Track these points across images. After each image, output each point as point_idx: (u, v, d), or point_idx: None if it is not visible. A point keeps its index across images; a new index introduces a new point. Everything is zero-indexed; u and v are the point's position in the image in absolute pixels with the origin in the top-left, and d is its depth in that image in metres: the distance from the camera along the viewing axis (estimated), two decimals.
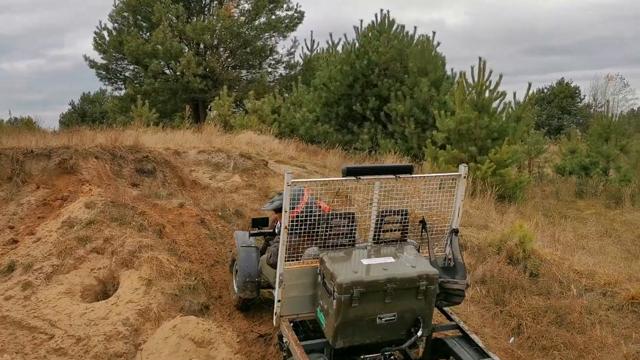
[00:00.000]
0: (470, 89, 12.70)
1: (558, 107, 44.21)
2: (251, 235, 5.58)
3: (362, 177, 4.07)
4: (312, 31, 30.89)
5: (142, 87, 23.88)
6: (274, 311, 4.26)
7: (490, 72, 12.48)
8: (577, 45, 74.66)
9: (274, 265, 4.64)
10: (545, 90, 45.25)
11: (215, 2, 25.89)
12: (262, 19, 25.50)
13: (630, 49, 73.50)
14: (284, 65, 26.88)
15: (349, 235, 4.28)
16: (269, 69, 26.85)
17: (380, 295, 3.86)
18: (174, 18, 23.56)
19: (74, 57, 62.62)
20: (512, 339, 5.80)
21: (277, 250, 4.27)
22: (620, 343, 5.44)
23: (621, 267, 6.92)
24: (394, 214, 4.40)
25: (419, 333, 4.03)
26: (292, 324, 4.28)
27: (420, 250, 4.49)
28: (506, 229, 7.64)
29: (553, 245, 7.99)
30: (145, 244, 6.32)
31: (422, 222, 4.53)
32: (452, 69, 16.47)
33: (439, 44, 15.64)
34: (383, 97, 15.84)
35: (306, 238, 4.35)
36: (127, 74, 26.05)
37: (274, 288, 4.68)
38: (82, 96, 45.01)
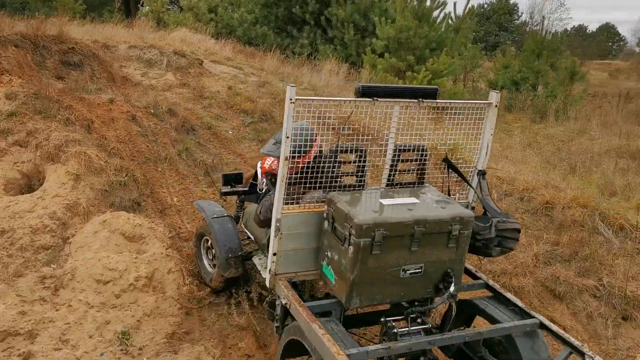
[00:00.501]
0: None
1: (496, 23, 44.56)
2: (223, 194, 4.89)
3: (380, 99, 3.35)
4: None
5: None
6: (268, 268, 3.54)
7: None
8: None
9: (266, 222, 3.76)
10: (485, 6, 45.33)
11: None
12: None
13: None
14: None
15: (359, 175, 3.56)
16: None
17: (406, 241, 3.18)
18: None
19: None
20: None
21: (270, 203, 3.63)
22: (532, 243, 5.86)
23: (539, 175, 7.32)
24: (412, 151, 3.66)
25: (451, 289, 3.31)
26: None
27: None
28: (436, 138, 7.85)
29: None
30: (73, 138, 6.09)
31: (446, 160, 3.80)
32: None
33: None
34: (324, 1, 15.41)
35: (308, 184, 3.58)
36: None
37: (263, 252, 4.17)
38: None
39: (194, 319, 4.71)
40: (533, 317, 3.47)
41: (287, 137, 3.16)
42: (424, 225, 3.18)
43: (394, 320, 3.31)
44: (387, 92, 3.43)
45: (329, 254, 3.39)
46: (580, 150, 9.87)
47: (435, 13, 12.67)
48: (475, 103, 3.74)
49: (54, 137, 6.04)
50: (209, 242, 4.83)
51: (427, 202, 3.46)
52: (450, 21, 13.50)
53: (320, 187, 3.51)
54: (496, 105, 3.73)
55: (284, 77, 10.43)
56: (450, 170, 3.79)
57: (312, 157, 3.70)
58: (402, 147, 3.63)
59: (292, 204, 3.50)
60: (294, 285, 3.65)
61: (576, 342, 3.23)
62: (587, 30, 52.29)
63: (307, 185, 3.54)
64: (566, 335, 3.30)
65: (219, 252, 4.59)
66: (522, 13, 46.36)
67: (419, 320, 3.39)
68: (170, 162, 6.57)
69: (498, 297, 3.76)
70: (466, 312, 3.83)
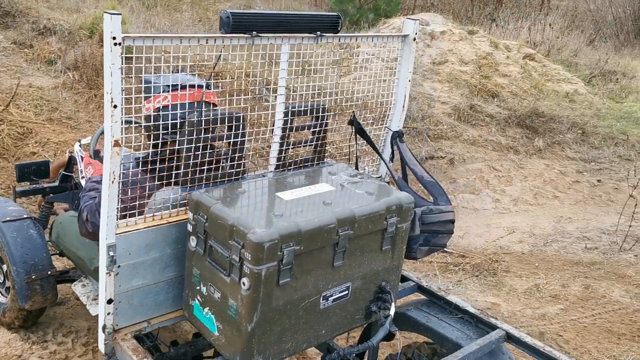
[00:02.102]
0: None
1: None
2: (19, 195, 3.41)
3: (261, 34, 2.18)
4: None
5: None
6: (101, 325, 2.21)
7: None
8: None
9: (96, 233, 2.18)
10: None
11: None
12: None
13: None
14: None
15: (236, 157, 2.35)
16: None
17: (327, 254, 2.10)
18: None
19: None
20: None
21: (98, 200, 2.19)
22: None
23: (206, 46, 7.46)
24: (305, 113, 2.54)
25: (390, 311, 2.33)
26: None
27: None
28: (99, 13, 7.27)
29: (149, 29, 8.03)
30: None
31: (354, 122, 2.81)
32: None
33: None
34: None
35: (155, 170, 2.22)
36: None
37: (89, 277, 2.83)
38: None
39: None
40: (495, 327, 2.56)
41: (115, 107, 1.87)
42: (351, 226, 2.11)
43: None
44: (270, 24, 2.24)
45: (204, 289, 2.13)
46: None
47: None
48: (387, 36, 2.80)
49: None
50: (0, 258, 3.19)
51: (346, 187, 2.36)
52: None
53: (176, 183, 2.25)
54: (414, 39, 2.72)
55: None
56: (358, 136, 2.82)
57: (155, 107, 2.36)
58: (295, 109, 2.51)
59: (132, 215, 2.18)
60: (145, 335, 2.42)
61: (555, 352, 2.43)
62: None
63: (155, 180, 2.26)
64: (540, 345, 2.48)
65: (15, 272, 2.98)
66: None
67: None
68: None
69: (437, 302, 2.83)
70: (401, 329, 2.71)
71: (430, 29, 8.08)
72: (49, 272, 3.03)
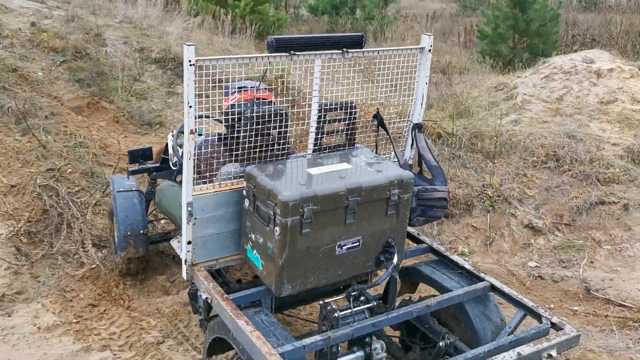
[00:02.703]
0: None
1: None
2: (131, 173, 4.40)
3: (298, 53, 2.97)
4: None
5: None
6: (183, 259, 3.11)
7: None
8: None
9: None
10: None
11: None
12: None
13: None
14: None
15: (281, 143, 3.13)
16: None
17: (340, 214, 2.84)
18: None
19: None
20: None
21: None
22: None
23: (364, 93, 7.68)
24: (338, 109, 3.24)
25: (394, 260, 3.01)
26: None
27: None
28: (264, 65, 7.84)
29: (304, 76, 8.48)
30: None
31: (377, 117, 3.50)
32: None
33: None
34: None
35: (224, 151, 3.30)
36: None
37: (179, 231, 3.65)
38: None
39: (25, 277, 4.35)
40: (483, 279, 3.23)
41: (190, 107, 2.71)
42: (359, 194, 2.83)
43: (334, 301, 2.84)
44: (305, 44, 3.02)
45: (253, 236, 2.95)
46: None
47: None
48: (406, 49, 3.39)
49: None
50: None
51: (361, 166, 3.11)
52: None
53: (236, 160, 3.09)
54: (429, 50, 3.39)
55: (95, 9, 9.57)
56: (380, 128, 3.51)
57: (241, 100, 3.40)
58: (327, 106, 3.19)
59: (204, 183, 3.05)
60: (217, 273, 3.42)
61: (531, 304, 3.05)
62: None
63: (221, 159, 3.25)
64: (519, 297, 3.10)
65: (117, 229, 4.15)
66: None
67: (362, 298, 2.95)
68: None
69: (444, 261, 3.51)
70: (410, 280, 3.59)
71: (595, 66, 7.64)
72: (142, 232, 4.09)
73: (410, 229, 3.56)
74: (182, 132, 3.00)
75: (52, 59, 7.22)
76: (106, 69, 7.52)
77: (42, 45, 7.36)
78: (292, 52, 2.95)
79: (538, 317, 3.01)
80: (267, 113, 3.02)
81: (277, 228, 2.71)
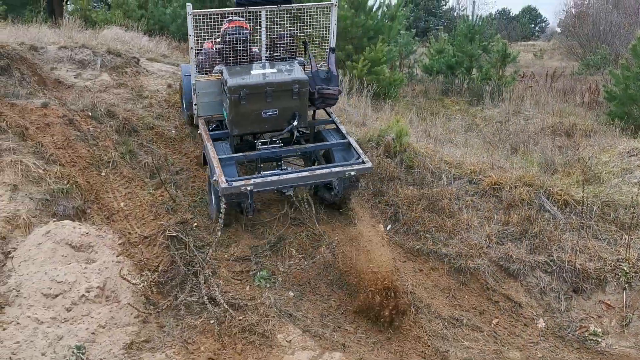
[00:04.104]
0: None
1: (424, 9, 45.40)
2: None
3: (250, 7, 5.76)
4: None
5: None
6: (194, 113, 6.03)
7: None
8: None
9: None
10: None
11: None
12: None
13: None
14: None
15: (245, 54, 5.87)
16: None
17: (262, 96, 5.34)
18: None
19: None
20: (389, 226, 6.17)
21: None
22: (484, 224, 5.99)
23: (484, 157, 7.49)
24: (282, 38, 5.98)
25: (294, 123, 5.51)
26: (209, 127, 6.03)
27: (306, 66, 5.90)
28: (383, 125, 7.90)
29: (425, 139, 8.43)
30: (6, 147, 5.75)
31: (304, 43, 6.00)
32: None
33: None
34: None
35: (217, 58, 5.97)
36: None
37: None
38: None
39: (152, 326, 4.56)
40: (346, 138, 5.73)
41: (192, 48, 5.71)
42: (273, 86, 5.33)
43: (263, 142, 5.60)
44: (255, 2, 5.74)
45: (224, 104, 5.61)
46: (517, 130, 10.16)
47: (371, 2, 12.75)
48: (321, 4, 5.96)
49: None
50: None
51: (282, 71, 5.55)
52: (385, 9, 13.60)
53: (223, 63, 5.83)
54: (335, 5, 5.97)
55: None
56: (306, 49, 5.95)
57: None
58: (274, 37, 5.98)
59: (203, 73, 5.94)
60: (207, 122, 6.03)
61: (359, 150, 5.59)
62: (511, 13, 53.98)
63: (214, 62, 5.95)
64: (354, 145, 5.66)
65: (184, 97, 7.05)
66: None
67: (277, 142, 5.60)
68: (114, 166, 6.32)
69: (337, 129, 5.92)
70: (319, 138, 6.01)
71: None
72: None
73: (328, 110, 6.09)
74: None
75: (183, 118, 7.75)
76: None
77: (176, 105, 7.92)
78: (246, 6, 5.74)
79: (358, 155, 5.50)
80: (239, 36, 5.77)
81: (227, 100, 5.37)
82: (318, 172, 5.31)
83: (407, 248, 5.88)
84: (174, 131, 7.33)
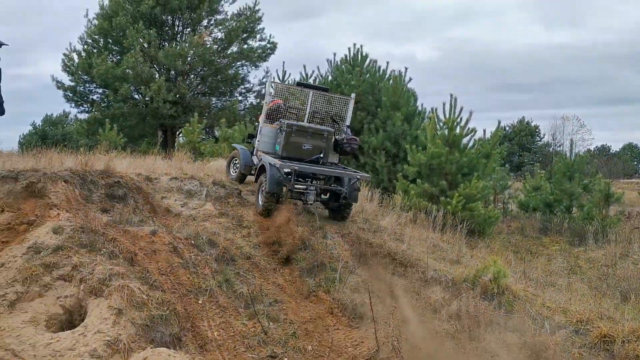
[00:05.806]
0: (441, 124, 12.93)
1: (519, 144, 45.39)
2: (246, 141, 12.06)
3: (304, 88, 10.09)
4: (284, 62, 31.40)
5: (109, 111, 23.48)
6: (255, 148, 9.62)
7: (461, 108, 12.76)
8: (537, 85, 76.96)
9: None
10: (507, 128, 46.46)
11: (189, 30, 25.87)
12: (235, 48, 25.55)
13: (587, 90, 76.58)
14: (255, 94, 26.91)
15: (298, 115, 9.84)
16: (240, 98, 26.82)
17: (305, 134, 9.10)
18: (145, 44, 23.40)
19: (33, 77, 61.25)
20: None
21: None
22: None
23: (591, 304, 7.02)
24: (321, 113, 9.95)
25: (321, 155, 9.15)
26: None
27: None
28: (479, 265, 7.69)
29: (524, 281, 8.07)
30: (116, 271, 6.12)
31: (333, 119, 9.86)
32: (422, 104, 16.65)
33: (410, 79, 15.89)
34: (355, 130, 15.95)
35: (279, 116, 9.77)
36: (94, 97, 25.61)
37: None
38: (45, 118, 44.02)
39: None
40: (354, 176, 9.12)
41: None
42: (313, 130, 9.30)
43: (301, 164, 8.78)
44: (305, 85, 10.39)
45: (278, 140, 9.33)
46: (627, 275, 9.51)
47: (465, 139, 12.98)
48: (345, 97, 10.19)
49: (98, 270, 6.07)
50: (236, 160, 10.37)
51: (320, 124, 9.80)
52: (480, 148, 13.76)
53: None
54: (353, 99, 10.07)
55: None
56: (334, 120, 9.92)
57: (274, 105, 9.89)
58: (315, 112, 9.97)
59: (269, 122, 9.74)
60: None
61: (357, 175, 9.18)
62: (611, 150, 52.75)
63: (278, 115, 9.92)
64: (356, 175, 9.21)
65: (240, 162, 9.99)
66: (544, 134, 47.27)
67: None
68: (211, 294, 6.51)
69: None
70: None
71: None
72: (249, 164, 9.85)
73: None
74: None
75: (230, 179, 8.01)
76: (325, 260, 8.01)
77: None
78: (301, 87, 10.43)
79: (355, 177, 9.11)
80: (281, 110, 9.77)
81: (283, 134, 9.18)
82: (336, 170, 9.22)
83: None
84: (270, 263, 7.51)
